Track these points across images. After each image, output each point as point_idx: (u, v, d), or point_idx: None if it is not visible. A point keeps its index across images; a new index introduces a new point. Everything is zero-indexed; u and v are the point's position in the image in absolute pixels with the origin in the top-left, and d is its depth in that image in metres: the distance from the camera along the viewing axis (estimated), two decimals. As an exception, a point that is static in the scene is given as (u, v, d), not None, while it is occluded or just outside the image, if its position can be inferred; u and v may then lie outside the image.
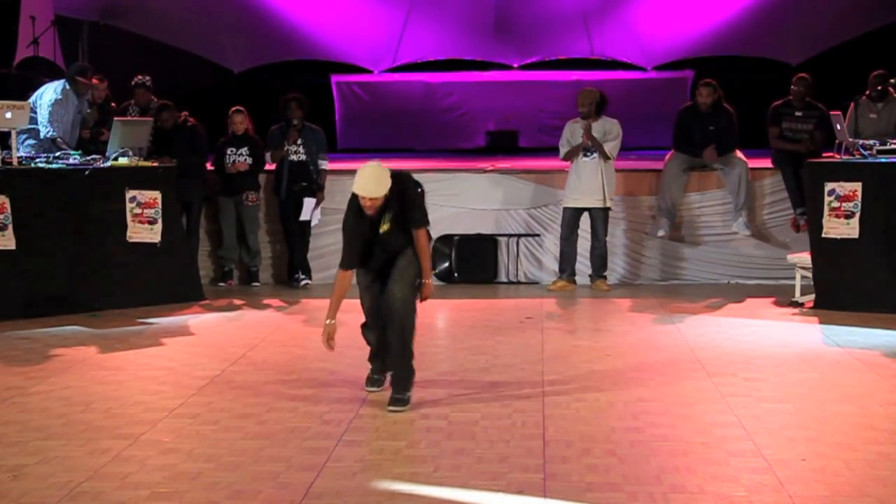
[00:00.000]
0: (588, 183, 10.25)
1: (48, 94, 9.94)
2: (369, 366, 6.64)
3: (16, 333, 8.32)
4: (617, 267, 10.90)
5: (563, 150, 10.43)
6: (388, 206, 6.19)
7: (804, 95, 10.64)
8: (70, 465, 5.14)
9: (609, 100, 10.43)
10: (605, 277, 10.48)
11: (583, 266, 10.78)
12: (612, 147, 10.25)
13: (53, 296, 9.06)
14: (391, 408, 6.14)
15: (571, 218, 10.39)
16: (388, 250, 6.30)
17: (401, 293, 6.23)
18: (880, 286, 8.98)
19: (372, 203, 6.09)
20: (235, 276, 10.96)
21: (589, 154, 10.25)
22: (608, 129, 10.27)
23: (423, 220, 6.36)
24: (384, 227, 6.21)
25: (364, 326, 6.61)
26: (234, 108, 10.86)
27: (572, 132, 10.39)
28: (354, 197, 6.19)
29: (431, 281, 6.43)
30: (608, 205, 10.32)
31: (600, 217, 10.34)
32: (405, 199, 6.26)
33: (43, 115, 9.86)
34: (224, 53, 15.21)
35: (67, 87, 9.99)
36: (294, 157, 10.65)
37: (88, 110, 10.47)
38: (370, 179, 6.08)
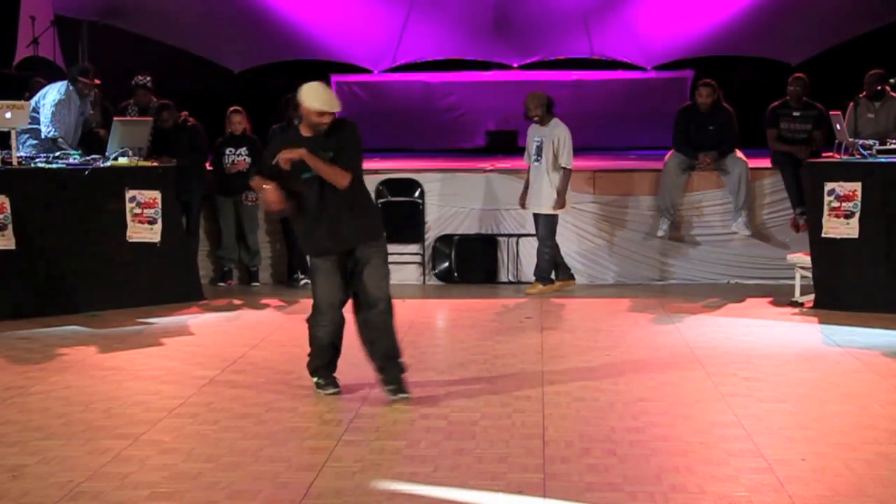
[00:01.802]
0: (536, 188, 10.20)
1: (52, 94, 9.95)
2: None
3: (16, 333, 8.32)
4: (616, 267, 10.91)
5: (525, 161, 10.39)
6: (329, 143, 6.08)
7: (801, 95, 10.64)
8: (70, 465, 5.14)
9: (555, 101, 10.36)
10: (545, 281, 10.25)
11: (578, 265, 10.80)
12: (564, 158, 10.08)
13: (53, 296, 9.06)
14: (405, 395, 6.24)
15: (536, 222, 10.37)
16: (334, 198, 6.10)
17: (383, 292, 6.28)
18: (880, 286, 8.98)
19: (331, 119, 6.06)
20: (235, 275, 10.97)
21: (538, 159, 10.21)
22: (556, 136, 10.11)
23: (357, 166, 6.18)
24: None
25: (314, 321, 6.36)
26: (232, 108, 10.86)
27: (528, 143, 10.32)
28: (279, 139, 6.24)
29: (311, 161, 6.01)
30: (553, 211, 10.16)
31: (542, 222, 10.21)
32: (348, 138, 6.14)
33: (45, 114, 9.86)
34: (223, 53, 15.21)
35: (71, 87, 10.00)
36: (294, 158, 10.65)
37: (91, 111, 10.47)
38: (329, 93, 6.11)
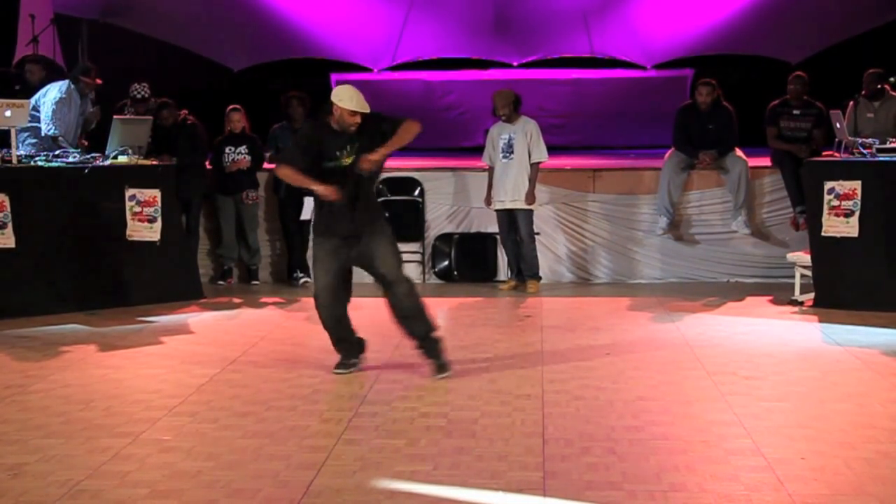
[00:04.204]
0: (510, 184, 10.21)
1: (52, 92, 9.96)
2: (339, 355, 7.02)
3: (16, 332, 8.32)
4: (616, 265, 10.92)
5: (484, 161, 10.44)
6: (359, 138, 6.65)
7: (801, 94, 10.65)
8: (70, 464, 5.15)
9: (522, 98, 10.39)
10: (538, 277, 10.39)
11: (578, 264, 10.81)
12: (539, 152, 10.18)
13: (53, 294, 9.06)
14: (445, 373, 6.78)
15: (502, 220, 10.39)
16: (350, 189, 6.65)
17: (397, 272, 6.85)
18: (880, 285, 8.98)
19: (360, 120, 6.62)
20: (235, 274, 10.97)
21: (508, 156, 10.23)
22: (528, 131, 10.19)
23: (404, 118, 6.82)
24: (349, 159, 6.66)
25: (315, 303, 6.86)
26: (231, 107, 10.85)
27: (493, 141, 10.34)
28: (310, 127, 7.03)
29: (380, 156, 6.61)
30: (531, 206, 10.25)
31: (524, 218, 10.27)
32: (383, 124, 6.72)
33: (46, 112, 9.87)
34: (223, 52, 15.18)
35: (72, 86, 10.00)
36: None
37: (91, 110, 10.47)
38: (359, 97, 6.65)
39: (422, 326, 6.85)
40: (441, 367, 6.83)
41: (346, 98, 6.64)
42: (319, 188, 6.59)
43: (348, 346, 7.00)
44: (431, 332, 6.86)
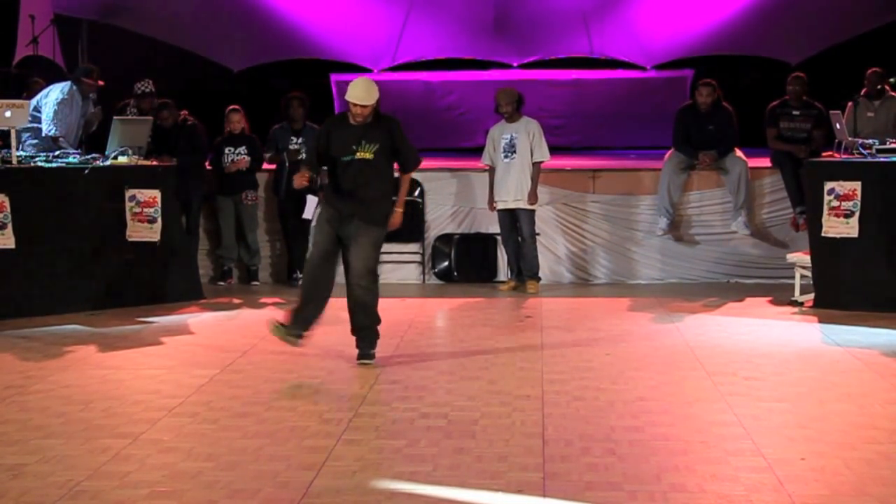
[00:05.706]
0: (512, 183, 10.22)
1: (54, 93, 9.96)
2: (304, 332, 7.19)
3: (15, 332, 8.32)
4: (616, 266, 10.92)
5: (485, 161, 10.44)
6: (374, 136, 7.00)
7: (800, 94, 10.65)
8: (69, 464, 5.14)
9: (525, 98, 10.42)
10: (538, 278, 10.42)
11: (578, 264, 10.81)
12: (541, 151, 10.23)
13: (53, 294, 9.06)
14: (362, 361, 7.11)
15: (504, 220, 10.39)
16: (358, 180, 7.01)
17: (363, 268, 7.03)
18: (880, 285, 8.98)
19: (362, 111, 6.95)
20: (235, 274, 10.97)
21: (510, 156, 10.24)
22: (530, 131, 10.22)
23: (415, 161, 7.35)
24: (365, 154, 7.00)
25: (306, 263, 7.16)
26: (230, 107, 10.85)
27: (494, 142, 10.34)
28: (326, 122, 7.41)
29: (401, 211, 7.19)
30: (533, 205, 10.27)
31: (525, 217, 10.30)
32: (395, 135, 7.11)
33: (47, 113, 9.86)
34: (223, 52, 15.17)
35: (74, 87, 10.01)
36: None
37: (93, 110, 10.46)
38: (360, 88, 6.95)
39: (365, 319, 7.14)
40: (365, 355, 7.15)
41: (349, 89, 6.98)
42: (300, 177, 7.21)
43: (307, 317, 7.12)
44: (374, 325, 7.18)
